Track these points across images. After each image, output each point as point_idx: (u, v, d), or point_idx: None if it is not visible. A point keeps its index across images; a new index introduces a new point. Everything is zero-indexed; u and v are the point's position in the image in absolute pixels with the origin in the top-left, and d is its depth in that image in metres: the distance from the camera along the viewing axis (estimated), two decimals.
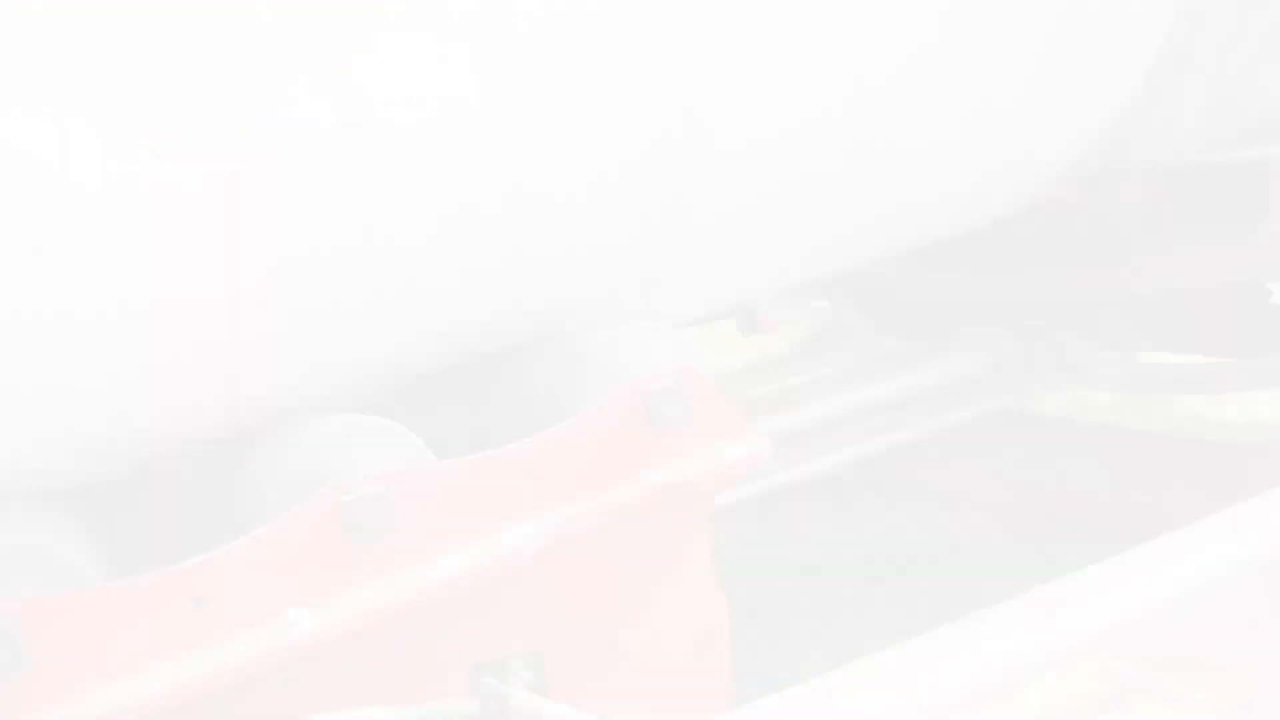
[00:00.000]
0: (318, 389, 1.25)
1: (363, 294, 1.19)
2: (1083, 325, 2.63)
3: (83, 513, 1.21)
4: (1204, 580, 1.38)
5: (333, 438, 1.16)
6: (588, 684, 1.27)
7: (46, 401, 1.08)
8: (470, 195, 1.21)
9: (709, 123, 1.37)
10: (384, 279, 1.20)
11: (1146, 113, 1.95)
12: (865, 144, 1.55)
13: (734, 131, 1.39)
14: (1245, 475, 2.20)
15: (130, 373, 1.09)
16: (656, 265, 1.45)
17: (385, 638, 1.13)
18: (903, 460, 2.54)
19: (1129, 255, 2.48)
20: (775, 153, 1.45)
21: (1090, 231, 2.47)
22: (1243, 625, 1.60)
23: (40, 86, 0.97)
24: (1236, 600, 1.49)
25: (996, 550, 2.52)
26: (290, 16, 1.07)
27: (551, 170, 1.26)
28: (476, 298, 1.31)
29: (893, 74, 1.52)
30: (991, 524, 2.61)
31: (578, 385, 1.29)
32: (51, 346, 1.04)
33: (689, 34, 1.31)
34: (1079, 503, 2.57)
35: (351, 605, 1.10)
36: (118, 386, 1.10)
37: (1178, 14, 1.77)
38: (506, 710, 1.14)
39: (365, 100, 1.10)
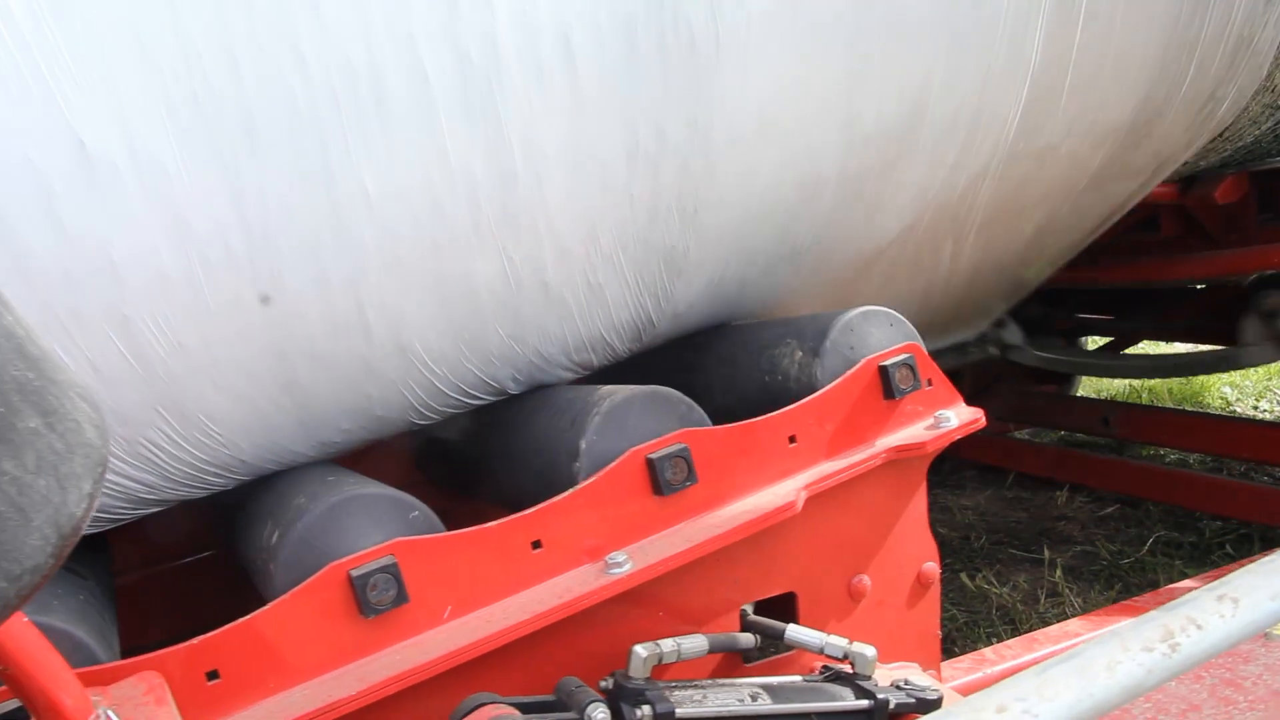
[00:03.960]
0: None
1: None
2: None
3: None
4: None
5: (633, 407, 1.32)
6: (829, 625, 1.45)
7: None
8: None
9: None
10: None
11: None
12: None
13: None
14: None
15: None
16: None
17: (677, 579, 1.30)
18: None
19: None
20: None
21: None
22: None
23: None
24: None
25: None
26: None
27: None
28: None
29: None
30: None
31: (821, 358, 1.45)
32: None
33: None
34: None
35: (657, 550, 1.27)
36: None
37: None
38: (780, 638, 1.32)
39: None
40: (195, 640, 1.09)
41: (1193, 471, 3.68)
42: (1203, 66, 2.06)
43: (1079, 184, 2.13)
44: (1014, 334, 3.14)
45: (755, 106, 1.44)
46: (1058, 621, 2.05)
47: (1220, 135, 2.34)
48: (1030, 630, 1.92)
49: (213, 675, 1.09)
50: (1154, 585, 2.89)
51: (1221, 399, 5.29)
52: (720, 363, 1.63)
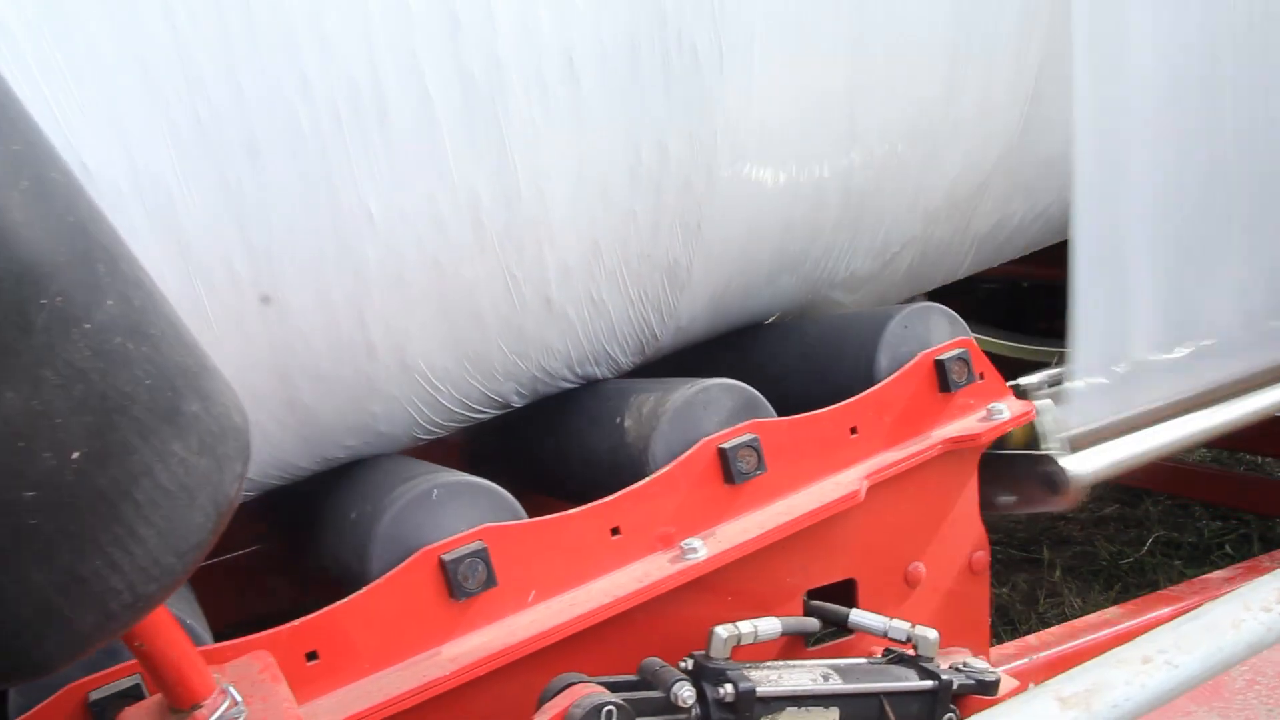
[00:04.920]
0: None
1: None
2: None
3: None
4: None
5: (697, 400, 1.37)
6: (885, 610, 1.49)
7: None
8: None
9: None
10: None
11: None
12: None
13: None
14: None
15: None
16: None
17: (746, 565, 1.34)
18: None
19: None
20: None
21: None
22: None
23: None
24: None
25: None
26: None
27: None
28: None
29: None
30: None
31: (878, 352, 1.50)
32: None
33: None
34: None
35: (730, 536, 1.31)
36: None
37: None
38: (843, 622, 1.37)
39: None
40: (296, 622, 1.13)
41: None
42: None
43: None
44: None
45: (758, 121, 1.45)
46: (1057, 622, 2.11)
47: None
48: (1030, 631, 1.95)
49: (312, 656, 1.13)
50: (1153, 586, 2.91)
51: None
52: (772, 359, 1.68)
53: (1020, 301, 3.58)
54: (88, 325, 0.67)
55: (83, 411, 0.67)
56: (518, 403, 1.54)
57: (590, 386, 1.59)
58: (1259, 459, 3.71)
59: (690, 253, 1.49)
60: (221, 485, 0.77)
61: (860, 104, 1.55)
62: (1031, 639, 1.70)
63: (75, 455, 0.67)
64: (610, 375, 1.62)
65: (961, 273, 2.13)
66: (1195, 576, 2.40)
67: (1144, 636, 0.79)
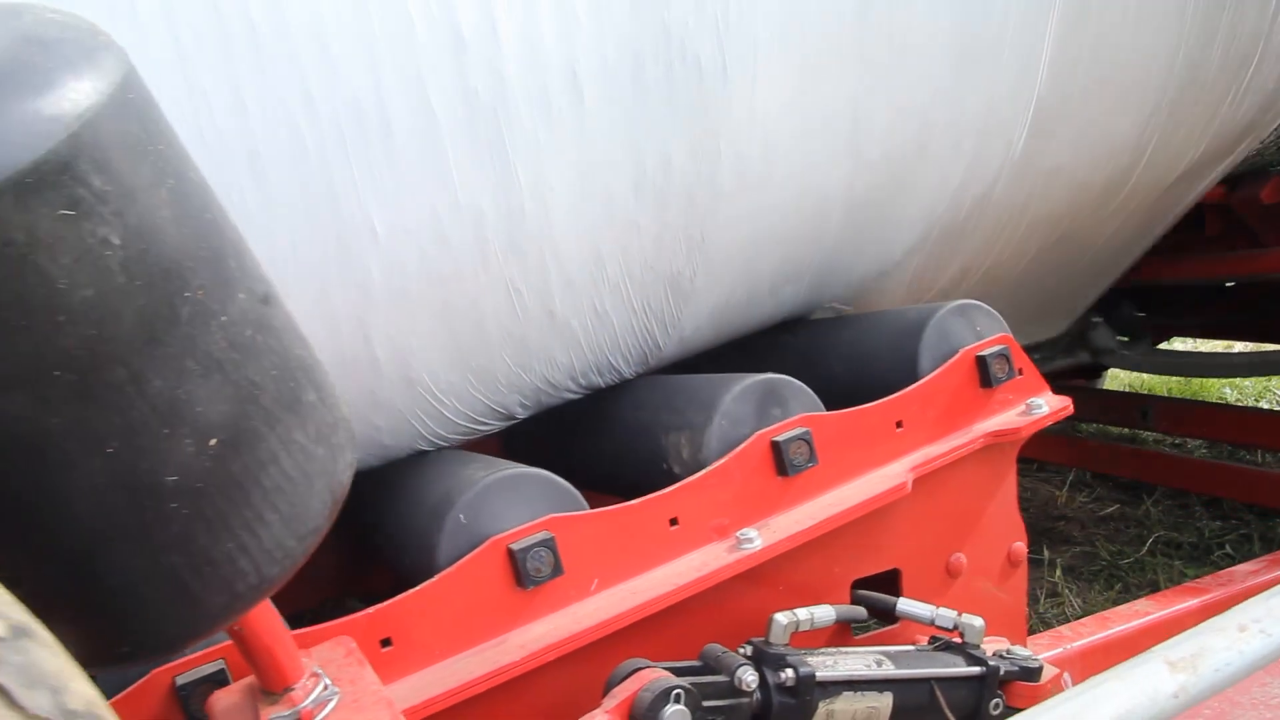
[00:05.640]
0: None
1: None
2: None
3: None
4: None
5: (758, 397, 1.40)
6: (928, 600, 1.53)
7: None
8: None
9: None
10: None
11: None
12: None
13: None
14: None
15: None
16: None
17: (797, 555, 1.38)
18: None
19: None
20: None
21: None
22: None
23: None
24: None
25: None
26: None
27: None
28: None
29: None
30: None
31: (921, 349, 1.54)
32: None
33: None
34: None
35: (784, 527, 1.35)
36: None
37: None
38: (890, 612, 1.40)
39: None
40: (371, 610, 1.16)
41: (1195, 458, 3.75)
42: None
43: (1083, 204, 2.17)
44: (1106, 337, 3.13)
45: (761, 133, 1.45)
46: (1059, 623, 2.14)
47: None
48: (1030, 632, 1.98)
49: (386, 643, 1.16)
50: (1154, 585, 2.93)
51: (1220, 398, 5.39)
52: (817, 354, 1.72)
53: None
54: (224, 318, 0.71)
55: (219, 400, 0.70)
56: (521, 414, 1.55)
57: (636, 381, 1.62)
58: (1260, 456, 3.75)
59: (693, 264, 1.50)
60: (336, 472, 0.81)
61: (863, 114, 1.56)
62: (1065, 629, 1.74)
63: (213, 442, 0.70)
64: (613, 383, 1.63)
65: (969, 282, 2.13)
66: (1195, 576, 2.43)
67: (1236, 608, 0.83)
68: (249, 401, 0.72)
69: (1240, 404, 5.04)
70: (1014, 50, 1.70)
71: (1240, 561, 2.13)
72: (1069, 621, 2.01)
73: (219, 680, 1.09)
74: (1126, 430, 4.17)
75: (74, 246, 0.61)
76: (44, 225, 0.60)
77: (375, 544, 1.48)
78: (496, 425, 1.54)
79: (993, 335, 1.57)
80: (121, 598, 0.70)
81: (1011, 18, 1.67)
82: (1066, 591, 2.95)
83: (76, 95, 0.62)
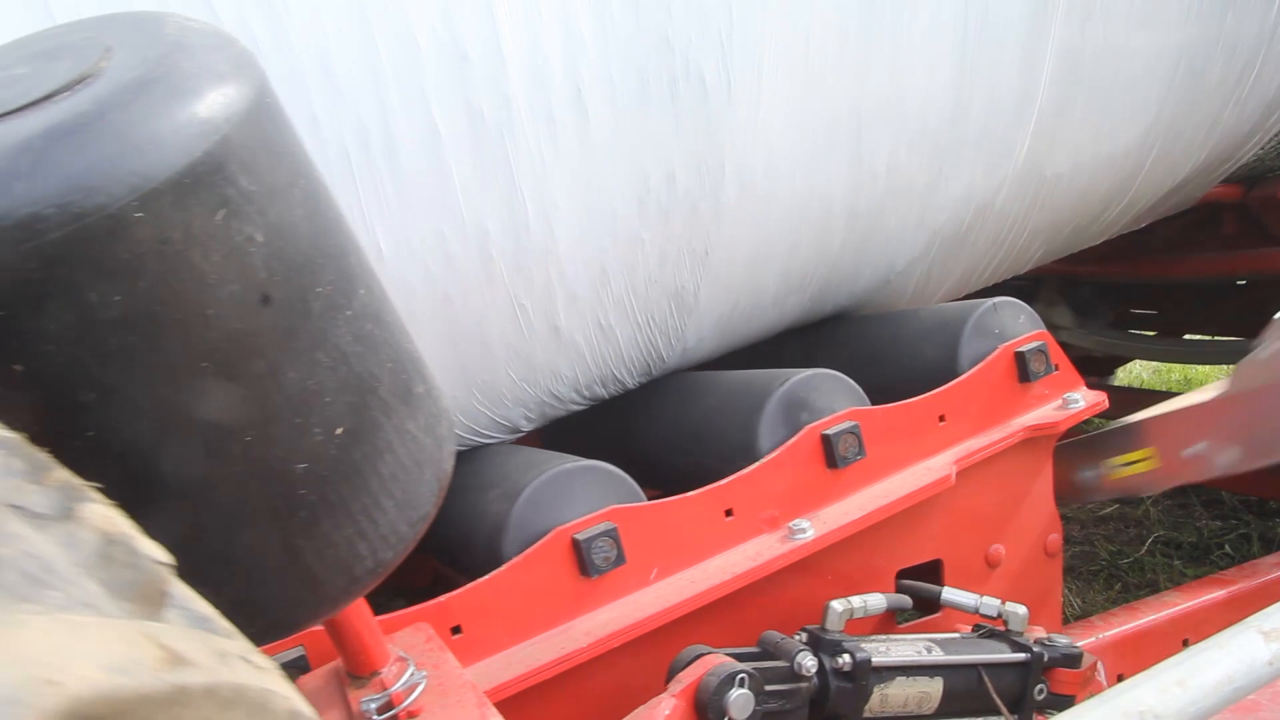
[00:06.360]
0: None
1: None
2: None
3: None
4: None
5: (809, 388, 1.44)
6: (969, 588, 1.57)
7: None
8: None
9: None
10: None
11: None
12: None
13: None
14: None
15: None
16: None
17: (845, 545, 1.42)
18: None
19: None
20: None
21: None
22: None
23: None
24: None
25: None
26: None
27: None
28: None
29: None
30: None
31: (961, 344, 1.58)
32: None
33: None
34: None
35: (834, 518, 1.38)
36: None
37: None
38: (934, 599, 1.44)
39: None
40: (442, 598, 1.19)
41: None
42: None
43: (1085, 211, 2.19)
44: (1064, 316, 3.20)
45: (764, 147, 1.46)
46: None
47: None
48: None
49: (456, 630, 1.20)
50: (1153, 585, 2.93)
51: None
52: (859, 349, 1.75)
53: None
54: (349, 312, 0.74)
55: (345, 391, 0.73)
56: (526, 427, 1.57)
57: (683, 376, 1.66)
58: None
59: (697, 278, 1.51)
60: (442, 461, 0.84)
61: (866, 127, 1.58)
62: (1096, 620, 1.77)
63: (339, 431, 0.73)
64: (617, 394, 1.64)
65: (969, 289, 2.18)
66: (1195, 576, 2.45)
67: None
68: (369, 393, 0.75)
69: None
70: (1016, 60, 1.72)
71: (1240, 561, 2.17)
72: (1068, 622, 2.05)
73: (301, 666, 1.12)
74: None
75: (223, 244, 0.64)
76: (198, 224, 0.63)
77: (433, 538, 1.51)
78: (501, 438, 1.56)
79: (1030, 331, 1.60)
80: (253, 581, 0.73)
81: (1014, 28, 1.69)
82: (1066, 591, 2.96)
83: (225, 100, 0.65)
